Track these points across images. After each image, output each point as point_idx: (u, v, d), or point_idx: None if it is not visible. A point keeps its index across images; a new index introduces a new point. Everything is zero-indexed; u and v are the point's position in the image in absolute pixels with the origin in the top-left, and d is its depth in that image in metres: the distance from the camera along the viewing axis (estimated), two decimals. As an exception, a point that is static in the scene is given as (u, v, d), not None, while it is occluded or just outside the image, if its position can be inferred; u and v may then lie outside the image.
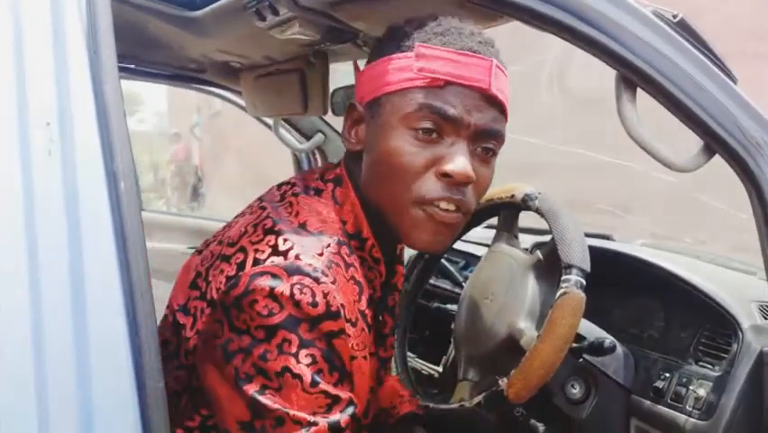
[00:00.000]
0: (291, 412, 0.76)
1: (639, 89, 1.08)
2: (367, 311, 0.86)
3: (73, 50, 0.63)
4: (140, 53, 1.91)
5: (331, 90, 1.63)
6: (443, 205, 0.87)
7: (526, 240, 1.57)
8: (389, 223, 0.91)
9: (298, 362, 0.77)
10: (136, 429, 0.62)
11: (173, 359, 0.90)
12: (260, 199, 0.94)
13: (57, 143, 0.61)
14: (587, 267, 1.16)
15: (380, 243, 0.93)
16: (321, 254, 0.82)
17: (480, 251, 1.73)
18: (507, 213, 1.40)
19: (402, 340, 1.56)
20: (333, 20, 1.15)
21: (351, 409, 0.80)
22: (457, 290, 1.73)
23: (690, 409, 1.24)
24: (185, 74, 2.07)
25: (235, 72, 1.94)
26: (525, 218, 1.42)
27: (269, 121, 2.22)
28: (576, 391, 1.32)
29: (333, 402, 0.79)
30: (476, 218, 1.48)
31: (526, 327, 1.19)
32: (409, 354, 1.69)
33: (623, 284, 1.53)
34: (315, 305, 0.77)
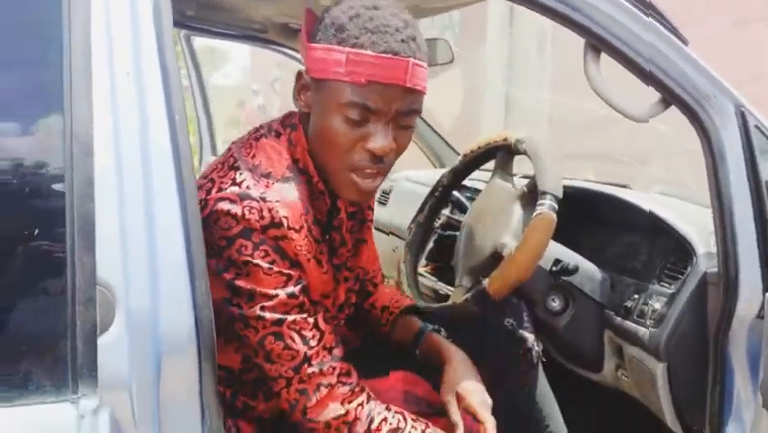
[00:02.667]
0: (258, 289, 1.07)
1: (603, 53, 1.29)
2: (313, 226, 1.13)
3: (144, 22, 0.95)
4: (211, 16, 2.22)
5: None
6: (368, 171, 1.11)
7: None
8: (328, 179, 1.15)
9: (254, 258, 1.05)
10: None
11: None
12: (234, 142, 1.19)
13: (133, 86, 0.93)
14: (559, 194, 1.40)
15: (323, 178, 1.16)
16: (267, 185, 1.08)
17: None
18: (501, 154, 1.65)
19: (414, 265, 1.84)
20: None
21: (303, 282, 1.10)
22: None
23: (648, 322, 1.47)
24: (249, 34, 2.38)
25: (294, 33, 2.21)
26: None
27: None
28: (556, 303, 1.57)
29: (287, 279, 1.08)
30: (476, 161, 1.73)
31: (509, 243, 1.45)
32: (439, 282, 1.97)
33: (618, 224, 1.76)
34: (261, 219, 1.05)
